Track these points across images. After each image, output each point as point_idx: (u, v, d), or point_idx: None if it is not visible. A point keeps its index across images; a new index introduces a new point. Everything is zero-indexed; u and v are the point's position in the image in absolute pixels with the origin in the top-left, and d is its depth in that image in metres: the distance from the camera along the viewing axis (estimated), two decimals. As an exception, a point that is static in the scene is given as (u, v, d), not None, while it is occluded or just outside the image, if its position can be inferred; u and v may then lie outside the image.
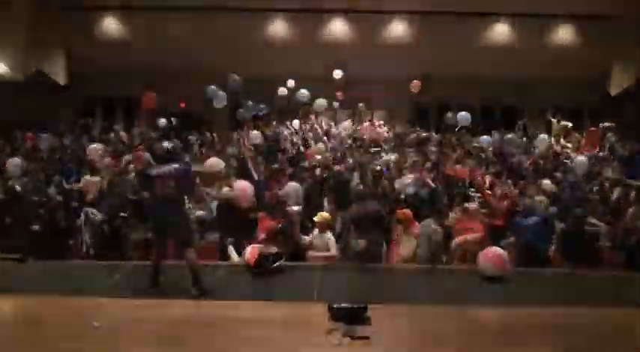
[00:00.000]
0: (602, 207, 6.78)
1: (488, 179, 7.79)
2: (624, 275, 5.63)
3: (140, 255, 5.77)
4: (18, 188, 7.18)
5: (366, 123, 11.89)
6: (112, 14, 15.11)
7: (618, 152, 9.37)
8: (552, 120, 10.87)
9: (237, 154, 8.67)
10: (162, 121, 11.39)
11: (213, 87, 9.54)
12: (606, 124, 10.62)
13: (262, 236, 5.65)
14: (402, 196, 7.00)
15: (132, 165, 7.97)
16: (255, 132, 9.68)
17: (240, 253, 5.63)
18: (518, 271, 5.38)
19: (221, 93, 9.45)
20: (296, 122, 11.71)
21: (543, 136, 9.97)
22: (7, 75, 13.07)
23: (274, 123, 12.13)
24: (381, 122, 12.66)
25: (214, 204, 6.47)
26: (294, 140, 10.46)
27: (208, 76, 10.26)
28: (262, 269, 5.10)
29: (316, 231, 5.80)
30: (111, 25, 15.17)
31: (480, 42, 14.84)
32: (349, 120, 12.63)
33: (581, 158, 8.27)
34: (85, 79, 14.95)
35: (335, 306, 4.04)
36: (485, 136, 9.66)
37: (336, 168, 8.07)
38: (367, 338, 3.75)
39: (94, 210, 6.58)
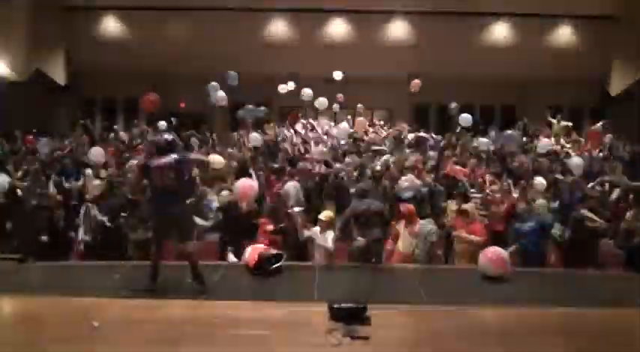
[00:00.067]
0: (602, 208, 6.77)
1: (488, 179, 7.79)
2: (624, 275, 5.63)
3: (140, 255, 5.76)
4: (19, 192, 7.18)
5: (361, 118, 11.71)
6: (112, 14, 15.09)
7: (618, 152, 9.35)
8: (552, 120, 10.87)
9: (238, 154, 8.66)
10: (162, 124, 11.39)
11: (214, 83, 9.56)
12: (603, 122, 10.61)
13: (264, 241, 5.63)
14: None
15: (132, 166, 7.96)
16: (255, 134, 9.67)
17: (239, 257, 5.64)
18: (519, 271, 5.36)
19: (221, 93, 9.47)
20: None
21: (546, 141, 9.84)
22: (7, 75, 13.05)
23: (272, 124, 12.08)
24: (381, 122, 12.64)
25: (214, 214, 6.48)
26: (294, 140, 10.43)
27: (208, 76, 10.27)
28: (262, 271, 5.10)
29: (318, 228, 5.78)
30: (111, 25, 15.16)
31: (479, 42, 14.83)
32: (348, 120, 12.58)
33: (577, 159, 8.25)
34: (85, 79, 14.97)
35: (335, 306, 4.04)
36: (483, 139, 9.62)
37: (337, 166, 8.05)
38: (367, 338, 3.75)
39: (95, 206, 6.58)
